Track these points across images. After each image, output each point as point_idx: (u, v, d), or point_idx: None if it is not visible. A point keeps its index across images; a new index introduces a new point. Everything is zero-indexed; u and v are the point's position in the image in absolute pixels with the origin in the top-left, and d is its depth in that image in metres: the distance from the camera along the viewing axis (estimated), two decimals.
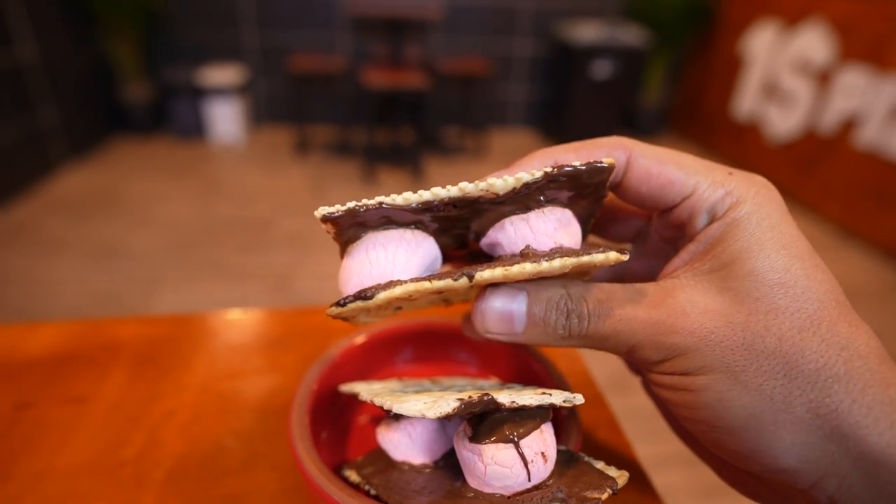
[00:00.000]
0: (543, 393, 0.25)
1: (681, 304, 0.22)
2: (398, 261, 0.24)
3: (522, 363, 0.38)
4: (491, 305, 0.24)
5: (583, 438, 0.36)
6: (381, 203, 0.22)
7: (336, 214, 0.23)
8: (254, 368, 0.44)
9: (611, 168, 0.22)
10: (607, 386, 1.49)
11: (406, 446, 0.30)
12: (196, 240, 2.11)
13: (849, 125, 2.54)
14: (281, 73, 3.43)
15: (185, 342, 0.46)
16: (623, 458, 0.36)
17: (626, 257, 0.21)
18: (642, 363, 0.24)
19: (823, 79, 2.69)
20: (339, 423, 0.36)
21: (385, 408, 0.25)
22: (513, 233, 0.24)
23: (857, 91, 2.50)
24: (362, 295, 0.22)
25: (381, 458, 0.30)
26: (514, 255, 0.24)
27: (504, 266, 0.21)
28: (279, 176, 2.82)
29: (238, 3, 3.26)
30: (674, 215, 0.25)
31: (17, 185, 2.35)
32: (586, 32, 3.28)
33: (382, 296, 0.22)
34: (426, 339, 0.41)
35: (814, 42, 2.75)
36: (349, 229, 0.24)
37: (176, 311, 1.67)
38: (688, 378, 0.22)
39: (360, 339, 0.39)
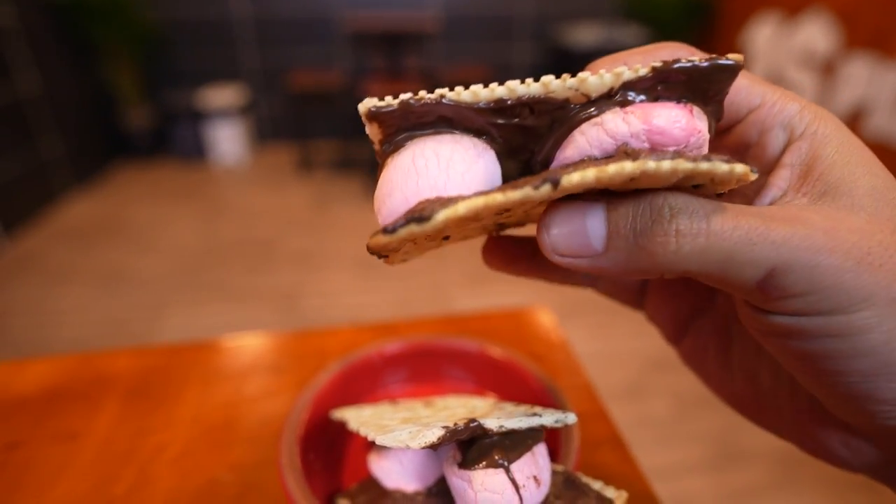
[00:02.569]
0: (534, 414, 0.24)
1: (822, 221, 0.17)
2: (453, 171, 0.18)
3: (519, 378, 0.37)
4: (558, 218, 0.18)
5: (584, 455, 0.35)
6: (441, 97, 0.18)
7: (386, 109, 0.18)
8: (247, 396, 0.43)
9: (738, 68, 0.17)
10: (621, 391, 1.48)
11: (398, 474, 0.29)
12: (201, 263, 2.12)
13: (856, 115, 2.51)
14: (281, 92, 3.46)
15: (177, 372, 0.45)
16: (627, 475, 0.35)
17: (755, 175, 0.16)
18: (771, 301, 0.17)
19: (828, 69, 2.66)
20: (333, 449, 0.35)
21: (369, 439, 0.24)
22: (586, 144, 0.18)
23: (862, 80, 2.47)
24: (416, 216, 0.16)
25: (373, 487, 0.29)
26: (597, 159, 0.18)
27: (597, 165, 0.15)
28: (283, 195, 2.83)
29: (236, 25, 3.29)
30: (735, 134, 0.21)
31: (23, 216, 2.37)
32: (585, 35, 3.28)
33: (442, 216, 0.16)
34: (420, 359, 0.40)
35: (816, 33, 2.72)
36: (397, 134, 0.19)
37: (182, 336, 1.67)
38: (839, 318, 0.17)
39: (352, 362, 0.38)
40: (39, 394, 0.43)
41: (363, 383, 0.39)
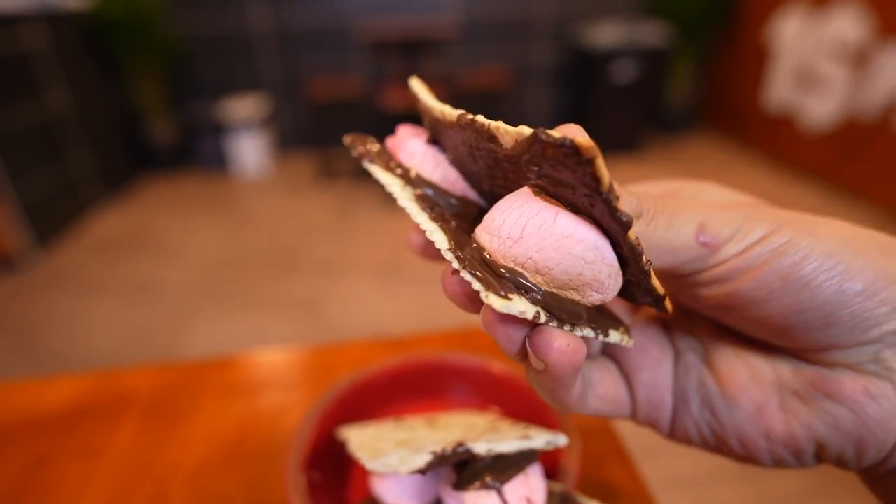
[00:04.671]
0: (525, 437, 0.25)
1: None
2: None
3: (521, 393, 0.37)
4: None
5: (588, 471, 0.35)
6: None
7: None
8: (260, 413, 0.44)
9: None
10: None
11: (398, 493, 0.29)
12: (226, 273, 2.16)
13: (892, 108, 2.43)
14: (302, 101, 3.50)
15: (194, 389, 0.47)
16: (631, 491, 0.35)
17: None
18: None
19: (860, 60, 2.58)
20: (339, 466, 0.36)
21: (361, 462, 0.25)
22: None
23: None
24: None
25: None
26: None
27: None
28: (306, 204, 2.86)
29: (256, 37, 3.35)
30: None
31: (56, 229, 2.45)
32: (605, 35, 3.24)
33: None
34: (426, 376, 0.41)
35: (846, 22, 2.64)
36: None
37: (209, 345, 1.70)
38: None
39: (358, 380, 0.39)
40: (64, 410, 0.45)
41: (370, 400, 0.40)
